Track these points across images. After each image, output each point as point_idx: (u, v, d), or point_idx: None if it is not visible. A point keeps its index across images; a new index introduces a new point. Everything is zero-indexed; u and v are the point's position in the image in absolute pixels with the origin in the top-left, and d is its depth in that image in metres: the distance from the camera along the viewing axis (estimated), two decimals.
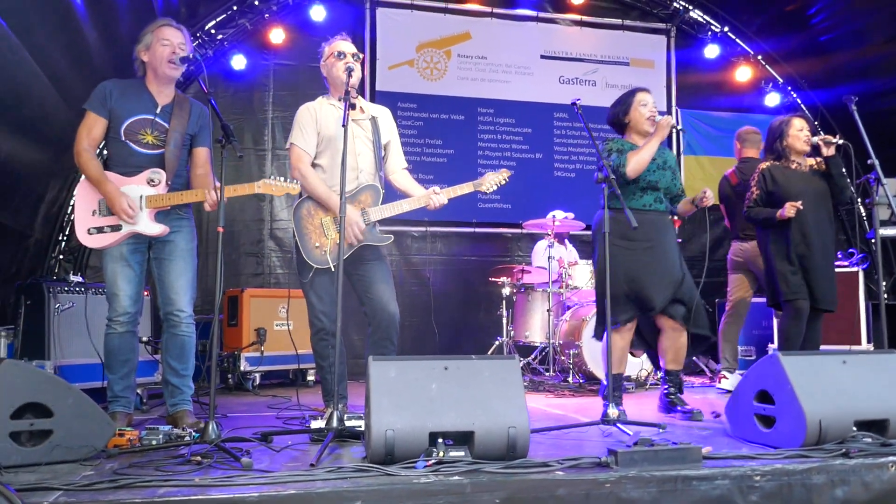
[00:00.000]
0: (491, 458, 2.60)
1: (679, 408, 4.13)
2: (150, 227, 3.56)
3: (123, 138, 3.58)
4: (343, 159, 3.27)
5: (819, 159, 4.48)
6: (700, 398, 5.10)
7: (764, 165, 4.51)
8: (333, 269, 3.66)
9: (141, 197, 3.53)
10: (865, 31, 7.32)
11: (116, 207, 3.48)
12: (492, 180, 3.89)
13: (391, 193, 3.95)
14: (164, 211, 3.61)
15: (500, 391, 2.73)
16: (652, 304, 4.04)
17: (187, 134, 3.70)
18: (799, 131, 4.47)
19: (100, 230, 3.53)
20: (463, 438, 2.64)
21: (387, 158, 3.99)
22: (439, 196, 3.77)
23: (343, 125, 3.26)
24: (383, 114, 4.01)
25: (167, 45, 3.62)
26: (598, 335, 4.27)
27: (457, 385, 2.72)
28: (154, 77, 3.67)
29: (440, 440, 2.60)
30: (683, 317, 4.13)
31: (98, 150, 3.71)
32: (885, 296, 6.97)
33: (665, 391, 4.26)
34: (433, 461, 2.52)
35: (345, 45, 3.83)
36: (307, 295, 3.77)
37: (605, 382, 4.17)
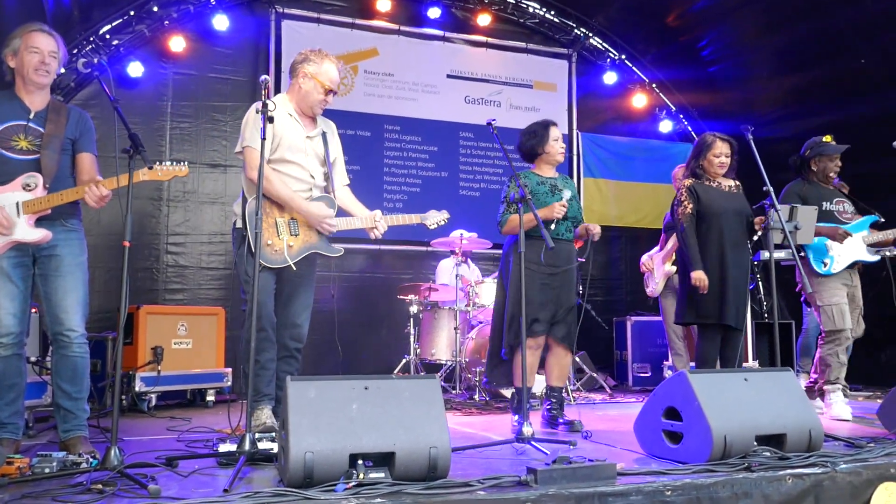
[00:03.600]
0: (412, 478, 2.57)
1: (560, 420, 4.37)
2: (28, 233, 3.29)
3: None
4: (259, 173, 3.22)
5: (738, 183, 4.66)
6: (601, 414, 5.23)
7: (687, 182, 4.61)
8: (294, 269, 3.82)
9: (17, 204, 3.27)
10: (750, 65, 7.81)
11: None
12: (434, 218, 4.17)
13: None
14: (49, 222, 3.36)
15: (421, 411, 2.71)
16: (540, 326, 4.28)
17: (66, 138, 3.45)
18: (716, 157, 4.57)
19: None
20: (383, 459, 2.59)
21: (331, 174, 4.05)
22: (381, 223, 3.96)
23: (262, 138, 3.22)
24: (331, 129, 4.10)
25: (36, 52, 3.37)
26: (507, 353, 4.41)
27: (377, 405, 2.67)
28: (23, 84, 3.42)
29: (360, 462, 2.55)
30: (565, 337, 4.38)
31: None
32: (767, 315, 7.41)
33: (548, 406, 4.49)
34: (353, 483, 2.47)
35: (336, 81, 3.98)
36: (245, 289, 3.76)
37: (514, 397, 4.42)
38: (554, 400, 4.47)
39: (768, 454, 3.07)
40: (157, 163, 3.36)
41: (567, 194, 4.37)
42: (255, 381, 3.68)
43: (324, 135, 4.01)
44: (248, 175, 3.82)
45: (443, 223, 4.20)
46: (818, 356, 5.01)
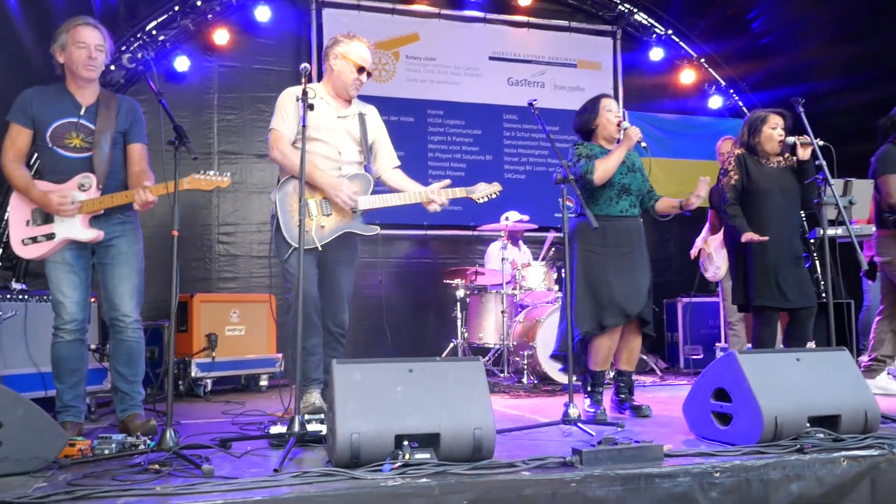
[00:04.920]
0: (457, 459, 2.59)
1: (629, 405, 4.20)
2: (82, 232, 3.43)
3: (50, 145, 3.44)
4: (302, 160, 3.26)
5: (789, 155, 4.40)
6: (651, 396, 5.18)
7: (738, 151, 4.43)
8: (320, 249, 3.76)
9: (73, 203, 3.40)
10: (803, 35, 7.56)
11: (52, 207, 3.35)
12: (483, 191, 3.90)
13: (384, 192, 3.94)
14: (105, 215, 3.48)
15: (465, 392, 2.72)
16: (628, 310, 4.05)
17: (117, 132, 3.55)
18: (773, 129, 4.37)
19: (34, 240, 3.42)
20: (429, 441, 2.62)
21: (376, 158, 4.01)
22: (440, 196, 3.79)
23: (303, 125, 3.26)
24: (371, 112, 4.05)
25: (83, 47, 3.42)
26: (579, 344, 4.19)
27: (422, 387, 2.70)
28: (73, 79, 3.50)
29: (406, 443, 2.58)
30: (644, 319, 4.16)
31: (30, 161, 3.55)
32: (823, 294, 7.19)
33: (616, 390, 4.32)
34: (399, 464, 2.50)
35: (368, 60, 3.92)
36: (286, 274, 3.79)
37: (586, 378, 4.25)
38: (622, 384, 4.27)
39: (822, 436, 2.97)
40: (202, 171, 3.45)
41: (634, 132, 4.05)
42: (303, 366, 3.72)
43: (361, 116, 3.95)
44: (271, 156, 3.84)
45: (494, 196, 3.91)
46: None
